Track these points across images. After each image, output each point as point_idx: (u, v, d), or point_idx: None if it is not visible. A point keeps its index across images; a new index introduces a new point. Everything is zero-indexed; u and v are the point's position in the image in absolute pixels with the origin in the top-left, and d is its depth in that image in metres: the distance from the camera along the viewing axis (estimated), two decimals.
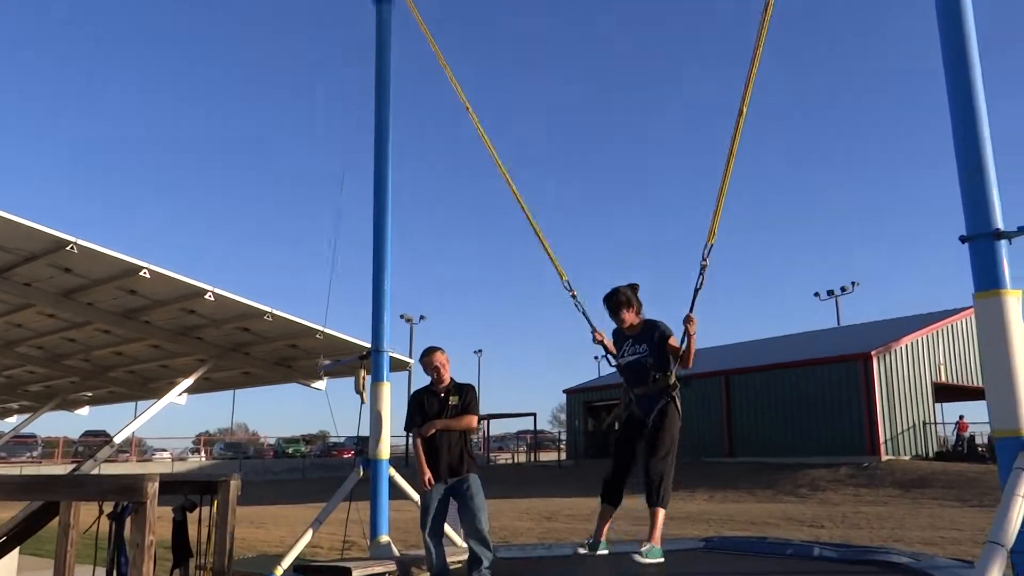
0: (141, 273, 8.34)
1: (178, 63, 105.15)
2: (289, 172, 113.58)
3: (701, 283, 4.96)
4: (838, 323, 43.56)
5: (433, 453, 5.69)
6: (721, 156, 5.10)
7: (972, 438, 30.68)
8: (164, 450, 49.01)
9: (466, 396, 5.88)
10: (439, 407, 5.82)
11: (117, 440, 11.72)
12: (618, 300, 5.38)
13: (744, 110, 4.97)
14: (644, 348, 5.30)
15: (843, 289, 45.66)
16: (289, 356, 11.48)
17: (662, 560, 5.04)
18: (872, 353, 26.46)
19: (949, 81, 3.97)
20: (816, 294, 47.40)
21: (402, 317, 45.84)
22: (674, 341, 5.21)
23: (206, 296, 8.99)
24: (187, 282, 8.83)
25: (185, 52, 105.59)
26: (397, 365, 9.49)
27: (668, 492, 5.16)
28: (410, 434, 6.03)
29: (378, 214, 7.39)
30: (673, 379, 5.24)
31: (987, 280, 3.72)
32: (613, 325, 5.60)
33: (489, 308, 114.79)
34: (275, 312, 9.53)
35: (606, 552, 5.50)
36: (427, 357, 5.96)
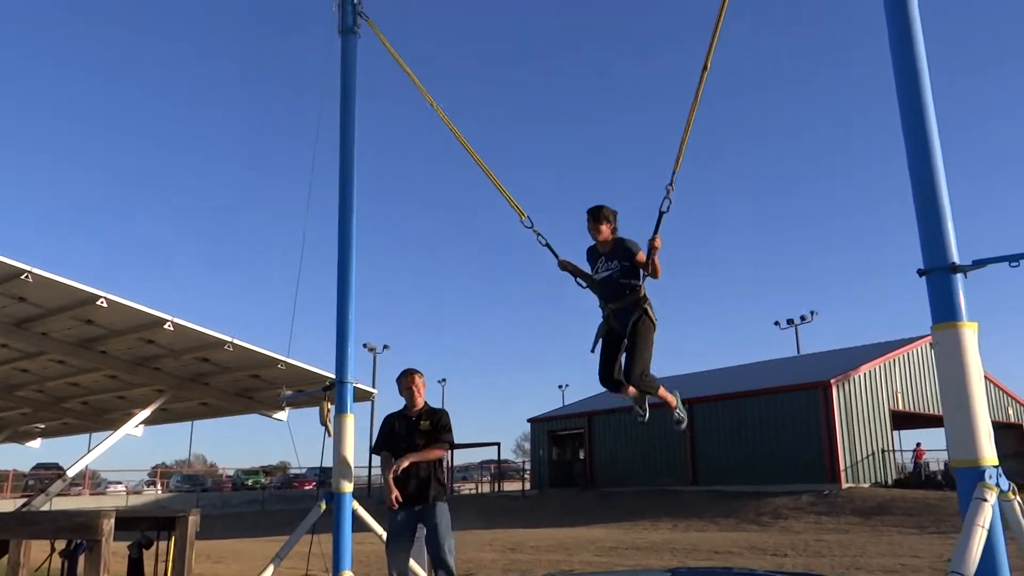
0: (98, 302, 8.19)
1: (130, 90, 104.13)
2: (252, 200, 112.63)
3: (667, 207, 5.37)
4: (798, 351, 44.12)
5: (401, 477, 5.64)
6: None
7: (926, 465, 31.16)
8: (119, 483, 47.74)
9: (439, 421, 5.85)
10: (408, 431, 5.79)
11: (71, 474, 11.44)
12: (602, 213, 5.71)
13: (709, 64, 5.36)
14: (615, 264, 5.64)
15: (802, 318, 46.24)
16: (250, 387, 11.31)
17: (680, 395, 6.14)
18: (831, 381, 26.80)
19: (904, 122, 4.07)
20: (776, 323, 47.82)
21: (365, 346, 45.39)
22: (642, 256, 5.56)
23: (165, 326, 8.85)
24: (146, 311, 8.68)
25: (141, 79, 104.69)
26: (360, 395, 9.41)
27: (655, 380, 5.67)
28: (378, 456, 6.04)
29: (343, 242, 7.34)
30: (643, 292, 5.62)
31: (945, 312, 3.80)
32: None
33: (453, 337, 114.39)
34: (236, 342, 9.40)
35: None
36: (404, 378, 5.98)
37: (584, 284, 5.88)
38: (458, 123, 6.86)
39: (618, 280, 5.62)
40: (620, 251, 5.66)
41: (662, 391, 5.84)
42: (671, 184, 5.38)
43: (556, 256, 5.94)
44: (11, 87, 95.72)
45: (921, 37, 4.14)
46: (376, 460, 5.94)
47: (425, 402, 5.99)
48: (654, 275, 5.54)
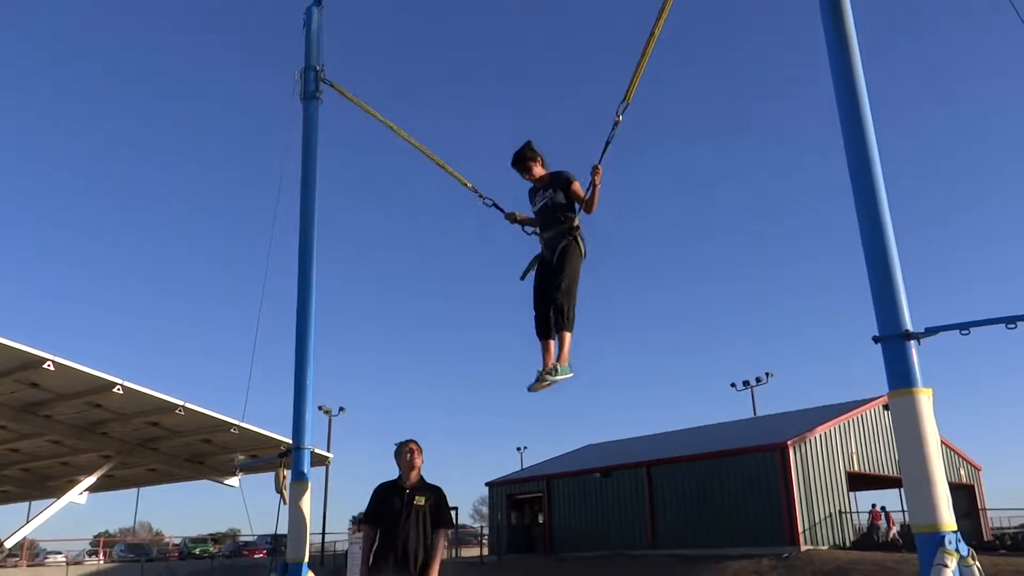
0: (45, 366, 7.95)
1: (94, 136, 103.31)
2: (209, 262, 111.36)
3: (612, 136, 5.32)
4: (754, 413, 44.44)
5: (388, 555, 5.44)
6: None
7: (877, 527, 31.24)
8: (59, 553, 45.69)
9: (439, 503, 5.70)
10: (401, 506, 5.61)
11: (8, 544, 10.93)
12: (524, 155, 5.78)
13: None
14: (551, 192, 5.70)
15: (758, 380, 46.76)
16: (202, 451, 11.01)
17: (572, 375, 5.46)
18: (788, 443, 26.94)
19: (857, 199, 4.21)
20: (732, 384, 48.29)
21: (320, 409, 44.57)
22: (578, 187, 5.61)
23: (115, 389, 8.62)
24: (95, 375, 8.46)
25: (105, 123, 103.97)
26: (316, 460, 9.21)
27: (572, 317, 5.45)
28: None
29: (301, 306, 7.28)
30: (577, 222, 5.60)
31: (900, 379, 3.87)
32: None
33: (409, 398, 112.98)
34: (188, 405, 9.19)
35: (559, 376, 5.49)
36: (403, 448, 5.83)
37: (531, 230, 5.98)
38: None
39: (553, 209, 5.66)
40: (556, 181, 5.74)
41: (569, 339, 5.47)
42: (619, 115, 5.28)
43: (503, 211, 6.15)
44: None
45: (870, 117, 4.31)
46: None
47: (421, 476, 5.83)
48: (588, 209, 5.51)
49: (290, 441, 7.17)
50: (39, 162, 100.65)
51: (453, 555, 42.44)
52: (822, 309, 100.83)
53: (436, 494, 5.75)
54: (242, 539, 53.19)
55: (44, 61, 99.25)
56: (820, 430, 28.75)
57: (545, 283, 5.58)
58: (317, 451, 7.93)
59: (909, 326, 3.94)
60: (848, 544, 27.21)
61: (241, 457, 8.49)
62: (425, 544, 5.58)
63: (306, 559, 6.72)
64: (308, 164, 7.54)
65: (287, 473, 6.93)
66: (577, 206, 5.66)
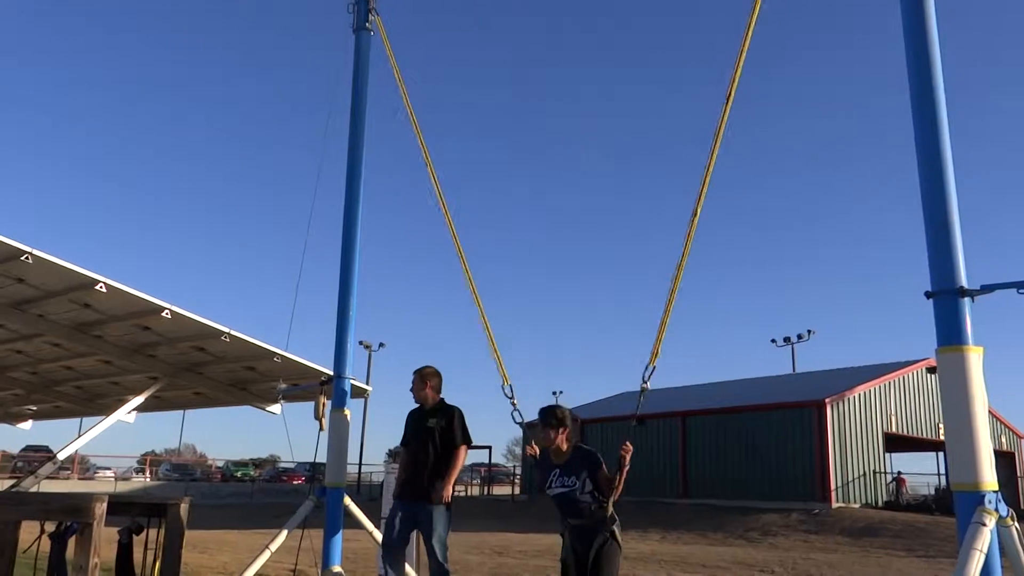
0: (97, 287, 8.14)
1: (136, 85, 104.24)
2: (257, 196, 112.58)
3: (640, 404, 4.87)
4: (793, 369, 44.11)
5: (407, 470, 5.76)
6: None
7: (902, 492, 30.90)
8: (108, 468, 47.62)
9: (449, 423, 5.86)
10: (418, 429, 5.87)
11: (61, 457, 11.37)
12: (550, 415, 4.96)
13: (698, 211, 5.12)
14: (573, 481, 4.85)
15: (799, 336, 46.30)
16: (245, 378, 11.27)
17: None
18: (826, 400, 26.78)
19: (919, 145, 4.06)
20: (773, 340, 47.85)
21: (361, 343, 45.40)
22: (604, 472, 4.87)
23: (163, 313, 8.80)
24: (144, 298, 8.64)
25: (152, 62, 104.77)
26: (355, 392, 9.37)
27: None
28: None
29: (346, 238, 7.34)
30: (611, 510, 4.82)
31: (950, 336, 3.78)
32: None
33: (447, 337, 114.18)
34: (233, 333, 9.36)
35: None
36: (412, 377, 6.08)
37: (540, 476, 5.23)
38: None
39: (576, 499, 4.84)
40: (579, 466, 4.88)
41: None
42: (645, 381, 4.89)
43: (530, 443, 5.31)
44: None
45: (939, 64, 4.13)
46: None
47: (441, 399, 6.02)
48: (614, 496, 4.78)
49: (331, 372, 7.31)
50: (92, 85, 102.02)
51: (485, 492, 43.34)
52: (870, 270, 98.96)
53: (448, 414, 5.89)
54: (282, 465, 54.85)
55: None
56: (859, 389, 28.49)
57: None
58: (356, 383, 8.07)
59: (964, 282, 3.83)
60: (881, 503, 27.15)
61: (284, 385, 8.68)
62: (437, 464, 5.74)
63: (343, 484, 6.90)
64: (358, 95, 7.53)
65: (327, 401, 7.08)
66: (605, 492, 4.84)
